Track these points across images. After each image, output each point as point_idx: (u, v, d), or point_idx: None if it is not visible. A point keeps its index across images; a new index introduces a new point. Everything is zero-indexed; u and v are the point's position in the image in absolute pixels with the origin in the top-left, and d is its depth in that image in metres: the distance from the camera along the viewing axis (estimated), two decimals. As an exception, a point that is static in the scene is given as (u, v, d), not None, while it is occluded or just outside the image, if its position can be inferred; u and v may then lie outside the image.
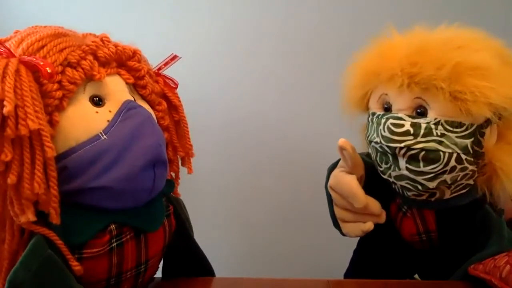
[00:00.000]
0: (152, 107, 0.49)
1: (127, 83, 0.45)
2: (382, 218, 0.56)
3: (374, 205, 0.55)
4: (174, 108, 0.53)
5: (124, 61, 0.45)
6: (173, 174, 0.55)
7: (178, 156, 0.54)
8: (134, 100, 0.46)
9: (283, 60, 1.00)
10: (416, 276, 0.66)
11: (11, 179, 0.33)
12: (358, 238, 0.66)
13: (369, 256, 0.66)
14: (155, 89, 0.48)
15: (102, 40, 0.43)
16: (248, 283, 0.53)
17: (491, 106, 0.46)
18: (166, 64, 0.52)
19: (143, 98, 0.47)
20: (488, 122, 0.49)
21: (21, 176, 0.34)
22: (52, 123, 0.37)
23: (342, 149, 0.54)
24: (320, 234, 0.96)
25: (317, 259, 1.05)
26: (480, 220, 0.53)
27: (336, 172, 0.57)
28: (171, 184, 0.51)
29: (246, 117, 1.02)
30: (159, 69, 0.52)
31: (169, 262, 0.54)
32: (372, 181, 0.58)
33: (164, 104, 0.50)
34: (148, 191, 0.42)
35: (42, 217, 0.38)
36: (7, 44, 0.37)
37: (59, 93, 0.37)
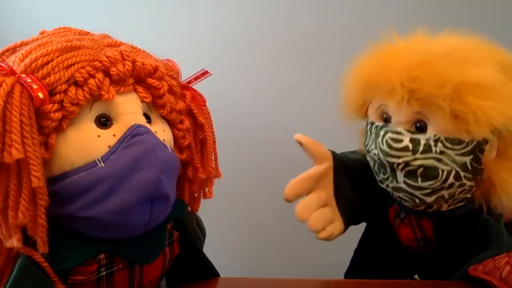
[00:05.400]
0: (173, 125, 0.45)
1: (143, 101, 0.41)
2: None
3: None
4: (199, 126, 0.48)
5: (144, 77, 0.40)
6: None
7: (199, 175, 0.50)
8: (150, 119, 0.42)
9: (284, 61, 1.00)
10: (416, 276, 0.66)
11: (-4, 204, 0.32)
12: (358, 238, 0.68)
13: (369, 256, 0.66)
14: (176, 107, 0.44)
15: (121, 54, 0.39)
16: (249, 283, 0.52)
17: (493, 126, 0.44)
18: (196, 78, 0.47)
19: (162, 116, 0.43)
20: (488, 138, 0.48)
21: (7, 203, 0.32)
22: (47, 145, 0.34)
23: (298, 143, 0.53)
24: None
25: (317, 259, 1.04)
26: (479, 229, 0.53)
27: None
28: (182, 207, 0.47)
29: (247, 118, 1.02)
30: (189, 82, 0.48)
31: (174, 272, 0.51)
32: (371, 184, 0.57)
33: (187, 122, 0.46)
34: (143, 226, 0.39)
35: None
36: (16, 55, 0.35)
37: (58, 115, 0.34)
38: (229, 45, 1.00)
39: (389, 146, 0.49)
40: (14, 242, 0.33)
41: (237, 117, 1.01)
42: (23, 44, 0.39)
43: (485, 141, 0.48)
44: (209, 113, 0.50)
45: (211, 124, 0.50)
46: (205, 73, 0.47)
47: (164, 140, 0.41)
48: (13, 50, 0.39)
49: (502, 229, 0.53)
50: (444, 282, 0.53)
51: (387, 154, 0.49)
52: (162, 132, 0.42)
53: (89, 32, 0.42)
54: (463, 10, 0.94)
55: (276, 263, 1.07)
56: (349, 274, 0.68)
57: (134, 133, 0.37)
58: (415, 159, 0.47)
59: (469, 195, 0.52)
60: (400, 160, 0.48)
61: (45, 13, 1.02)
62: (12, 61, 0.34)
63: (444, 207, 0.53)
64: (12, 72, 0.32)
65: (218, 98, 0.99)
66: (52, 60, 0.34)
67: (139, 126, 0.38)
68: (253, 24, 0.99)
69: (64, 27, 0.42)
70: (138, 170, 0.36)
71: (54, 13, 1.01)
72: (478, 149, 0.48)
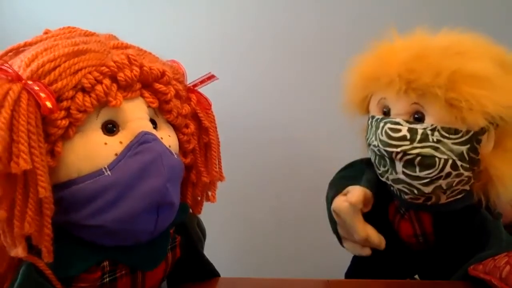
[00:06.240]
0: (178, 130, 0.44)
1: (149, 106, 0.40)
2: (381, 247, 0.57)
3: (373, 236, 0.56)
4: (204, 129, 0.48)
5: (151, 82, 0.40)
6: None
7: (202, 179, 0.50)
8: (156, 124, 0.41)
9: (284, 61, 0.99)
10: (416, 276, 0.66)
11: (1, 214, 0.31)
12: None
13: (370, 256, 0.64)
14: (182, 112, 0.43)
15: (128, 59, 0.38)
16: (249, 283, 0.53)
17: (487, 115, 0.45)
18: (202, 82, 0.47)
19: (168, 121, 0.43)
20: (485, 129, 0.49)
21: (12, 213, 0.32)
22: (53, 153, 0.34)
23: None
24: (321, 234, 0.97)
25: (317, 259, 1.05)
26: (478, 225, 0.53)
27: (339, 199, 0.58)
28: (184, 210, 0.47)
29: (247, 118, 1.02)
30: (195, 86, 0.47)
31: (174, 273, 0.51)
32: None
33: (192, 126, 0.46)
34: (149, 233, 0.38)
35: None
36: (21, 59, 0.34)
37: (64, 122, 0.33)
38: (229, 45, 0.99)
39: (388, 136, 0.50)
40: (19, 251, 0.33)
41: (237, 117, 1.00)
42: (26, 45, 0.38)
43: (482, 132, 0.49)
44: (214, 116, 0.50)
45: (216, 128, 0.50)
46: (211, 77, 0.46)
47: (170, 146, 0.41)
48: (16, 50, 0.38)
49: (501, 227, 0.53)
50: (444, 282, 0.53)
51: (386, 144, 0.50)
52: (168, 138, 0.41)
53: (94, 33, 0.41)
54: (463, 10, 0.94)
55: (276, 263, 1.06)
56: (349, 274, 0.68)
57: (141, 141, 0.37)
58: (412, 148, 0.49)
59: (467, 187, 0.53)
60: (399, 149, 0.49)
61: (45, 13, 1.00)
62: (18, 65, 0.33)
63: (443, 199, 0.54)
64: (18, 78, 0.32)
65: (218, 98, 1.00)
66: (59, 66, 0.33)
67: (146, 133, 0.37)
68: (253, 24, 0.98)
69: (69, 27, 0.41)
70: (145, 179, 0.36)
71: (54, 13, 1.00)
72: (474, 139, 0.49)
